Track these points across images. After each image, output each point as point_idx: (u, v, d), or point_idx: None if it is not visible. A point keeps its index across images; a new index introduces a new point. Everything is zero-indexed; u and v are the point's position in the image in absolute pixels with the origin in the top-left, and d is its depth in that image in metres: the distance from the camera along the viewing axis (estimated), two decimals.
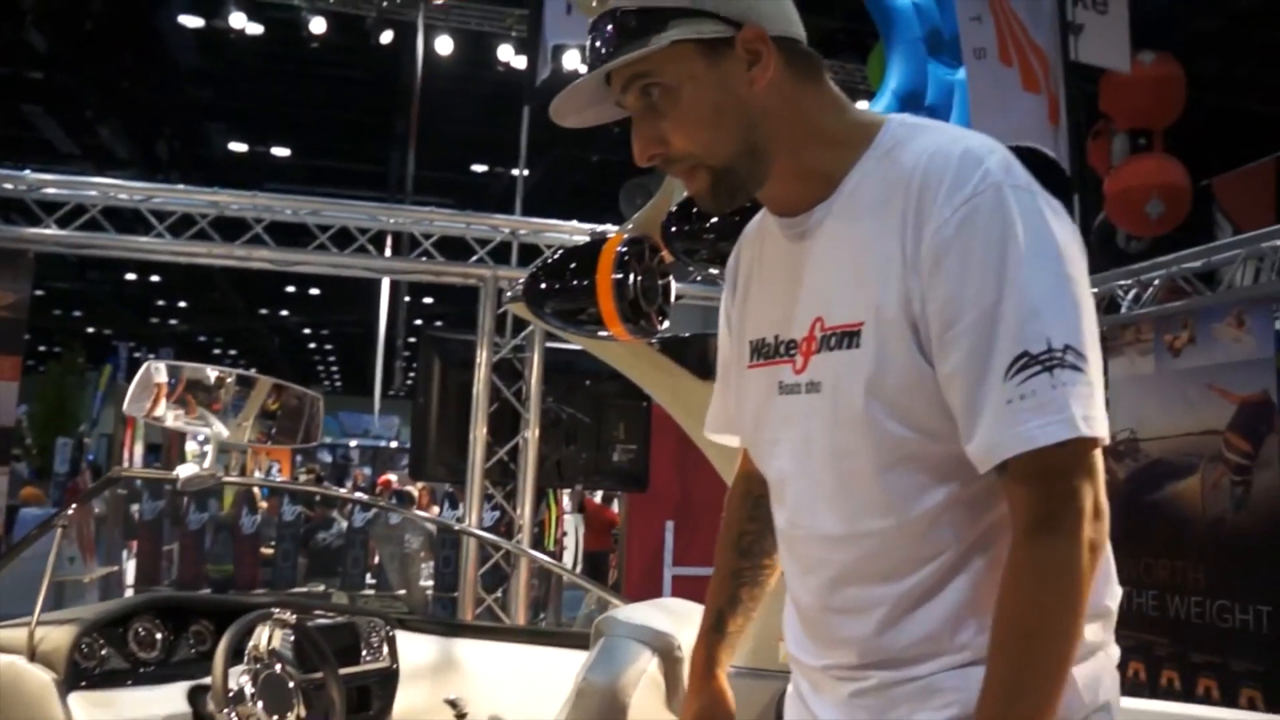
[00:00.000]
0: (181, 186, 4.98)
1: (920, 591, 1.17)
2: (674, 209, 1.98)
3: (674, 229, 1.95)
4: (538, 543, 7.60)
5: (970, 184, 1.10)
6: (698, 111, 1.18)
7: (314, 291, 20.71)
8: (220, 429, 2.67)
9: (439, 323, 22.46)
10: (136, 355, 23.44)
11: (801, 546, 1.27)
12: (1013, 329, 1.06)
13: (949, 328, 1.09)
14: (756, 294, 1.35)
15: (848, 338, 1.16)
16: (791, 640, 1.34)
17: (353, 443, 22.67)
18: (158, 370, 2.55)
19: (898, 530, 1.17)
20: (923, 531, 1.16)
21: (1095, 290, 5.22)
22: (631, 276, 1.94)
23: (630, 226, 2.11)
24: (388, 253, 5.14)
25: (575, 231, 4.89)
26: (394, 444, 21.85)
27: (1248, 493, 4.39)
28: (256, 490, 8.19)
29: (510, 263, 4.82)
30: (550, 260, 2.11)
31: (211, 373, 2.68)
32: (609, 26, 1.20)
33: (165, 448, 12.53)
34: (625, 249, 1.96)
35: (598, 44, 1.21)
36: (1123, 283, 5.10)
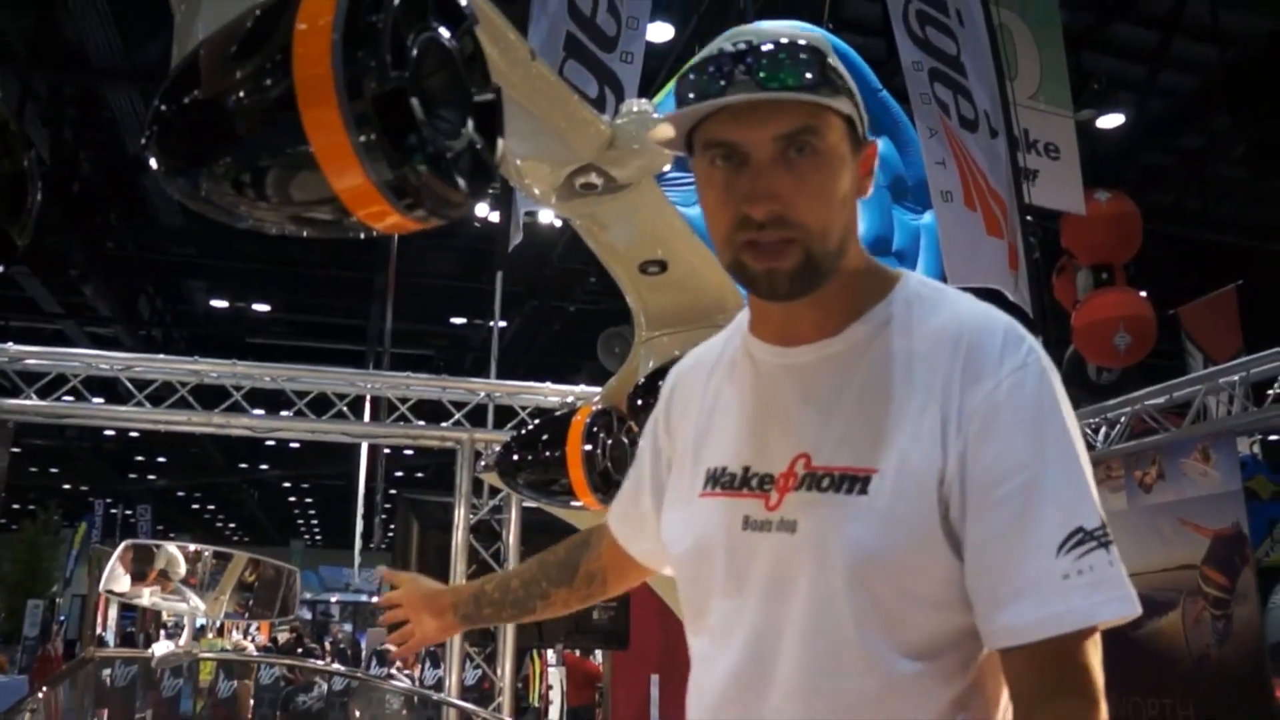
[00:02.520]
0: (161, 356, 5.06)
1: None
2: (640, 381, 2.06)
3: (639, 401, 2.02)
4: (522, 699, 7.44)
5: (1020, 354, 1.11)
6: (835, 191, 1.12)
7: (294, 446, 20.67)
8: (197, 604, 2.67)
9: (420, 474, 22.38)
10: (113, 512, 23.19)
11: (749, 697, 1.14)
12: (1064, 502, 1.05)
13: (992, 490, 1.06)
14: (721, 420, 1.26)
15: (849, 482, 1.10)
16: None
17: (333, 598, 22.24)
18: (133, 550, 2.56)
19: (873, 691, 1.08)
20: (899, 695, 1.08)
21: None
22: (601, 447, 2.00)
23: (598, 399, 2.17)
24: (365, 417, 5.20)
25: (549, 393, 4.97)
26: (375, 599, 21.46)
27: (1229, 626, 4.39)
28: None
29: (486, 425, 4.87)
30: (522, 433, 2.17)
31: (189, 549, 2.69)
32: (809, 62, 1.09)
33: (141, 610, 12.31)
34: (594, 421, 2.02)
35: (766, 63, 1.08)
36: (1091, 420, 5.19)
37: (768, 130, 1.09)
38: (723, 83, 1.09)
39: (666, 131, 1.15)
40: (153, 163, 1.05)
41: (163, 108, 1.01)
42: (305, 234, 1.07)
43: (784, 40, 1.10)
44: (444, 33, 1.01)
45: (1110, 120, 9.06)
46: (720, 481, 1.21)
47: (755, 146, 1.10)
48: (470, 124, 1.03)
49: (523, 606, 1.61)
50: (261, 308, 14.82)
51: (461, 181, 1.01)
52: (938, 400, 1.09)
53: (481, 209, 10.43)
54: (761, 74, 1.07)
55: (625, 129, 1.65)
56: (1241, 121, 9.32)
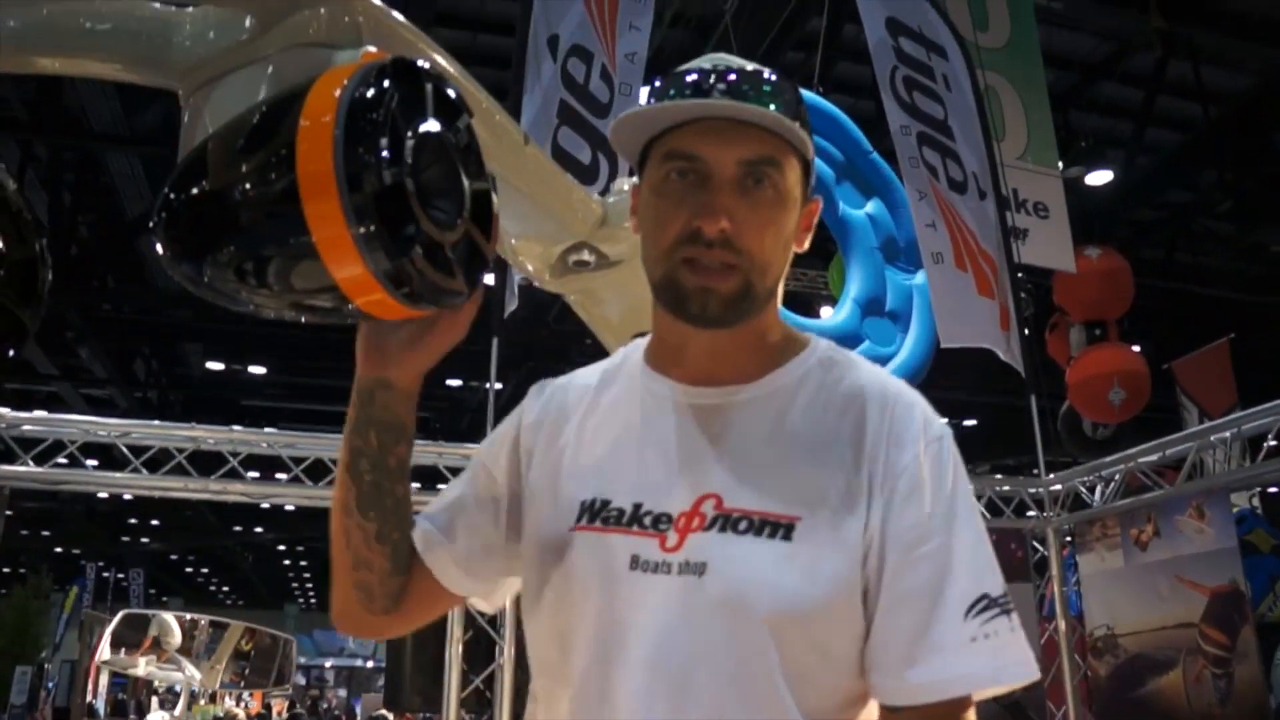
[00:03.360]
0: (157, 422, 5.07)
1: None
2: None
3: None
4: None
5: (937, 427, 1.14)
6: (783, 229, 1.13)
7: (289, 509, 20.57)
8: (193, 674, 2.65)
9: None
10: (105, 575, 22.99)
11: None
12: (972, 569, 1.07)
13: (912, 549, 1.07)
14: (602, 452, 1.18)
15: (771, 527, 1.07)
16: None
17: (328, 663, 21.94)
18: (129, 620, 2.55)
19: None
20: None
21: (1059, 488, 5.32)
22: None
23: None
24: None
25: None
26: (370, 663, 21.07)
27: (1231, 685, 4.36)
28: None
29: None
30: None
31: (185, 618, 2.68)
32: (768, 81, 1.11)
33: (133, 677, 12.14)
34: None
35: (746, 84, 1.10)
36: (1085, 479, 5.20)
37: (734, 151, 1.09)
38: (695, 95, 1.09)
39: (623, 129, 1.14)
40: (159, 248, 1.07)
41: (171, 196, 1.05)
42: (305, 320, 1.10)
43: (764, 69, 1.12)
44: (440, 126, 1.05)
45: (1099, 177, 9.19)
46: (601, 516, 1.13)
47: (718, 165, 1.09)
48: (466, 213, 1.06)
49: (367, 504, 1.22)
50: (258, 370, 14.83)
51: (457, 269, 1.04)
52: (865, 459, 1.10)
53: None
54: (739, 92, 1.09)
55: (616, 207, 1.69)
56: (1227, 177, 9.46)
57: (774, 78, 1.12)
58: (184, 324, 13.30)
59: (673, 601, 1.06)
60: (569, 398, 1.25)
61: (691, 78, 1.10)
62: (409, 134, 1.01)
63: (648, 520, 1.10)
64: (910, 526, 1.07)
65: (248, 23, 1.13)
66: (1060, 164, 6.83)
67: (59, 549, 24.56)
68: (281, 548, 27.15)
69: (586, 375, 1.28)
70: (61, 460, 4.80)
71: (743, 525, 1.07)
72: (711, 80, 1.09)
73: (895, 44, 4.76)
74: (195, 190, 1.04)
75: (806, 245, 1.18)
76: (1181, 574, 4.56)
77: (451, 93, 1.08)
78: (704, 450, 1.13)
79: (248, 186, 0.99)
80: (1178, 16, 8.03)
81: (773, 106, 1.09)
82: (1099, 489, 5.13)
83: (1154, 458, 4.83)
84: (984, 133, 5.15)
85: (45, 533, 23.21)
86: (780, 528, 1.06)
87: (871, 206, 5.59)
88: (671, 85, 1.11)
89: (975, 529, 1.10)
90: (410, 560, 1.25)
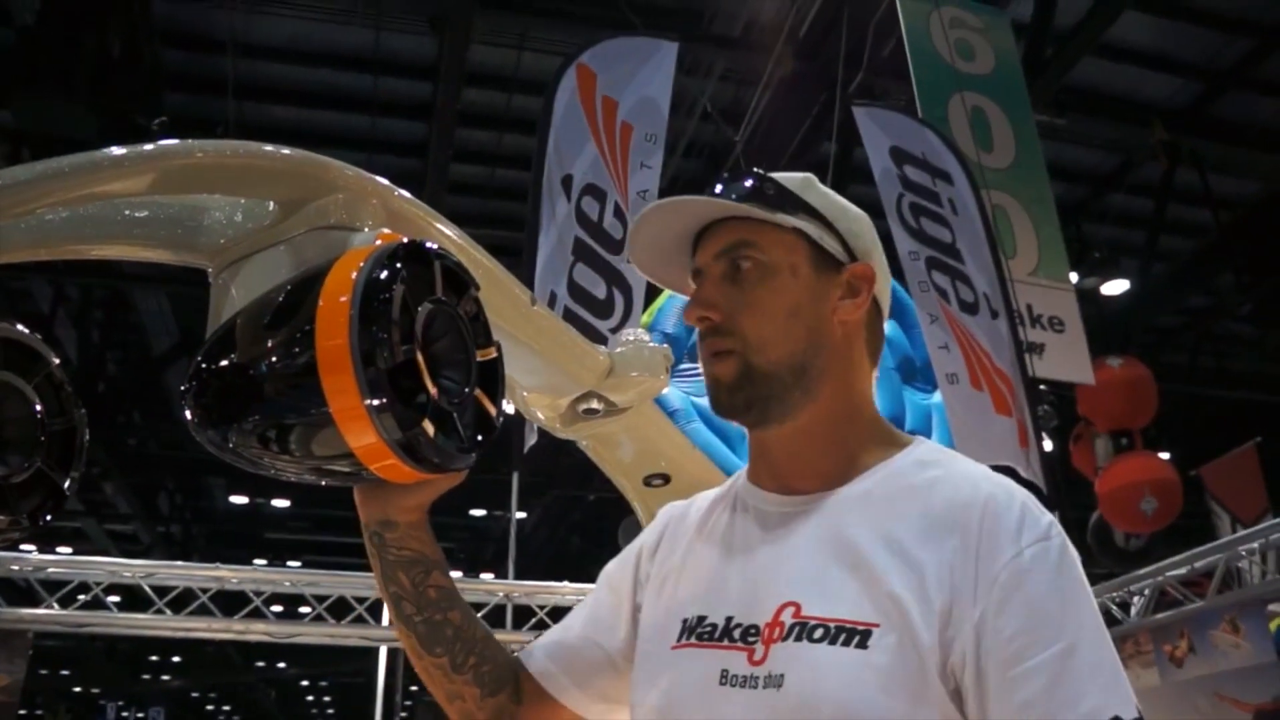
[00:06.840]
0: (180, 564, 5.10)
1: None
2: None
3: None
4: None
5: (1041, 526, 1.05)
6: (777, 301, 1.15)
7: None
8: None
9: None
10: (124, 715, 22.65)
11: None
12: (1101, 682, 0.97)
13: (1017, 663, 0.98)
14: (703, 568, 1.20)
15: (846, 634, 1.02)
16: None
17: None
18: None
19: None
20: None
21: None
22: None
23: None
24: (384, 620, 5.17)
25: (566, 592, 4.92)
26: None
27: None
28: None
29: (505, 625, 4.81)
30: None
31: None
32: (747, 181, 1.19)
33: None
34: None
35: (727, 189, 1.19)
36: (1114, 594, 5.10)
37: (712, 248, 1.18)
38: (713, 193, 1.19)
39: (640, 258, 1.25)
40: (187, 414, 1.14)
41: (202, 366, 1.12)
42: (325, 483, 1.15)
43: (749, 170, 1.21)
44: (449, 301, 1.12)
45: (1115, 286, 9.25)
46: (697, 632, 1.13)
47: (705, 265, 1.19)
48: (473, 380, 1.13)
49: (430, 642, 1.24)
50: (281, 503, 14.88)
51: (466, 435, 1.10)
52: (949, 568, 1.03)
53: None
54: (727, 194, 1.17)
55: (623, 357, 1.77)
56: (1244, 280, 9.50)
57: (745, 170, 1.21)
58: (208, 458, 13.34)
59: (756, 716, 1.04)
60: (686, 519, 1.28)
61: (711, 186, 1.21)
62: (419, 310, 1.08)
63: (738, 634, 1.10)
64: (1010, 639, 0.99)
65: (271, 207, 1.22)
66: (1074, 277, 6.86)
67: (78, 689, 24.27)
68: (305, 683, 26.78)
69: (705, 496, 1.31)
70: (85, 599, 4.80)
71: (818, 633, 1.04)
72: (724, 187, 1.20)
73: (900, 172, 4.86)
74: (224, 362, 1.11)
75: (858, 313, 1.18)
76: (1222, 691, 4.44)
77: (459, 269, 1.16)
78: (788, 557, 1.12)
79: (273, 360, 1.06)
80: (1180, 129, 8.20)
81: (735, 196, 1.17)
82: (1131, 603, 5.03)
83: (1182, 570, 4.75)
84: (993, 252, 5.22)
85: (65, 672, 22.98)
86: (856, 634, 1.02)
87: (887, 328, 5.63)
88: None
89: (1101, 639, 1.00)
90: (508, 676, 1.27)
